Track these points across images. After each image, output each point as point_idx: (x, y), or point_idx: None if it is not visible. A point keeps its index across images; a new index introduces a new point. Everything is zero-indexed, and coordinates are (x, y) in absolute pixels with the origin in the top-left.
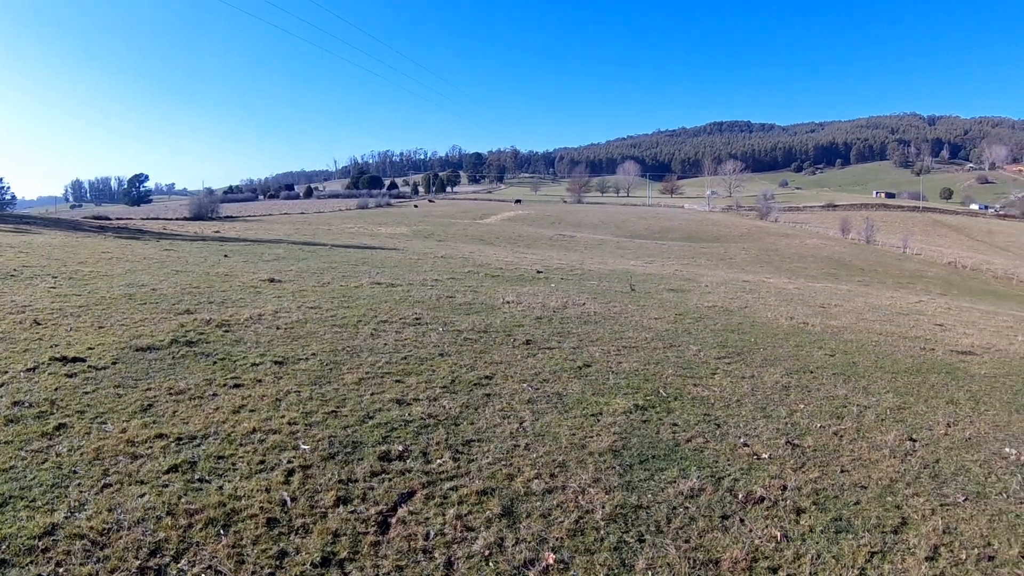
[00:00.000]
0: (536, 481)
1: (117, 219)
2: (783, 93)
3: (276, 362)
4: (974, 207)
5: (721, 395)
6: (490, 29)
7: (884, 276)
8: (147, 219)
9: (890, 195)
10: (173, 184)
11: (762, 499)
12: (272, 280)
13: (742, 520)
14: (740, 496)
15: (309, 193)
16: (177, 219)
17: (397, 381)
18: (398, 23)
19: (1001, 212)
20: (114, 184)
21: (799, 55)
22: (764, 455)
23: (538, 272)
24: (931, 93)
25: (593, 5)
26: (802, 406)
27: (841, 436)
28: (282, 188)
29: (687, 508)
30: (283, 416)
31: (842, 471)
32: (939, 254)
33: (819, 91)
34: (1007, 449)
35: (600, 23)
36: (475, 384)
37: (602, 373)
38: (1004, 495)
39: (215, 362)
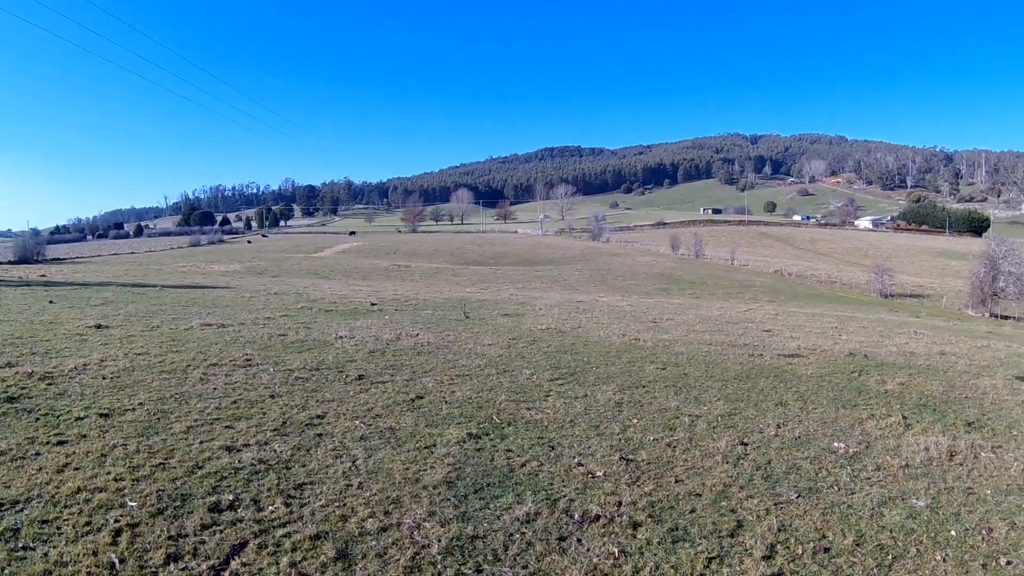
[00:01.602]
0: (371, 520)
1: None
2: (612, 118)
3: (102, 415)
4: (797, 218)
5: (555, 417)
6: (321, 58)
7: (714, 288)
8: None
9: (717, 211)
10: None
11: (598, 517)
12: (99, 326)
13: (579, 540)
14: (576, 516)
15: (140, 232)
16: (0, 263)
17: (227, 427)
18: (225, 53)
19: (822, 221)
20: None
21: (627, 80)
22: (599, 473)
23: (372, 304)
24: (753, 113)
25: (423, 34)
26: (635, 421)
27: (674, 447)
28: (112, 227)
29: (524, 533)
30: (109, 472)
31: (676, 481)
32: (766, 264)
33: (647, 115)
34: (836, 444)
35: (430, 51)
36: (307, 424)
37: (435, 404)
38: (836, 488)
39: (38, 418)
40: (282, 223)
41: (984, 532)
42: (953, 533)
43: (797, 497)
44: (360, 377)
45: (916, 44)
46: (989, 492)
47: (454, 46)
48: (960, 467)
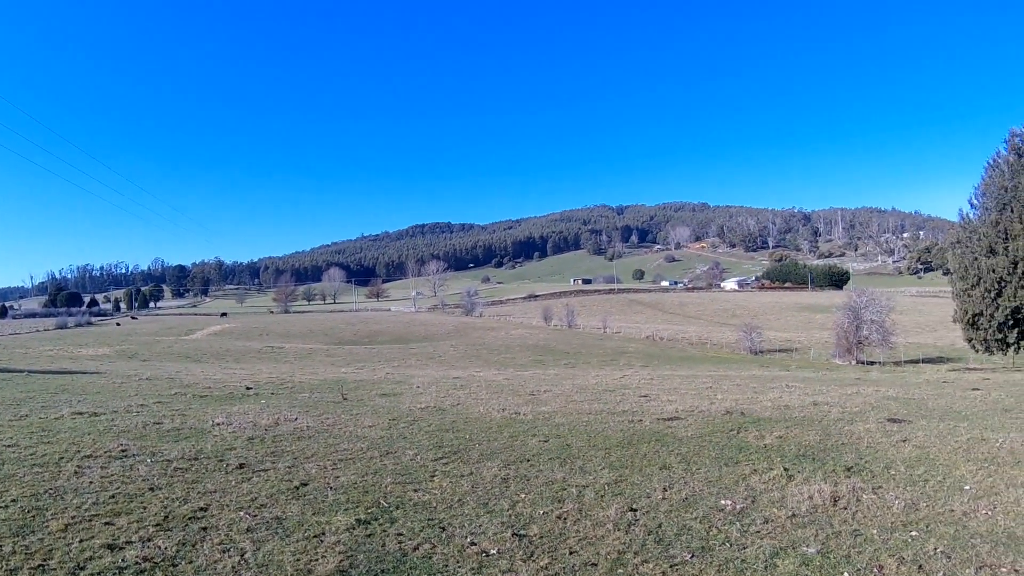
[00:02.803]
0: None
1: None
2: (481, 194)
3: None
4: (665, 284)
5: (443, 497)
6: (191, 136)
7: (588, 357)
8: None
9: (587, 281)
10: None
11: None
12: None
13: None
14: None
15: (4, 313)
16: None
17: (107, 523)
18: (92, 129)
19: (690, 286)
20: None
21: (494, 157)
22: (493, 551)
23: (247, 388)
24: (619, 185)
25: (293, 114)
26: (523, 495)
27: (565, 518)
28: None
29: None
30: None
31: (571, 552)
32: (637, 330)
33: (515, 190)
34: (723, 501)
35: (300, 131)
36: (190, 518)
37: (320, 490)
38: (728, 544)
39: None
40: (152, 304)
41: (875, 570)
42: (846, 575)
43: (691, 557)
44: (241, 466)
45: (770, 112)
46: (875, 531)
47: (324, 126)
48: (845, 511)
